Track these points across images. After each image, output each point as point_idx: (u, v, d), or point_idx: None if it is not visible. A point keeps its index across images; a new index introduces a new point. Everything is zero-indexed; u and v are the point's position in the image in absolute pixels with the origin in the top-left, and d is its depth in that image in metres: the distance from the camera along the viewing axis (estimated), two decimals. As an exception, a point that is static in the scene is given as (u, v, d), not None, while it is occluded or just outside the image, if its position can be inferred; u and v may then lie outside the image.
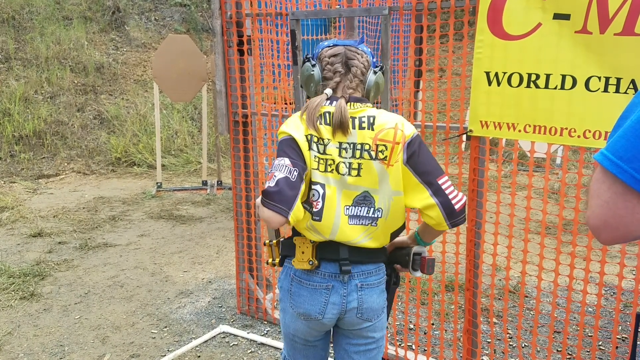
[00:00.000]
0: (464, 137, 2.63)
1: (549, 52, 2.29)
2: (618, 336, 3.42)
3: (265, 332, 3.60)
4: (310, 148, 1.80)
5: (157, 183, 7.27)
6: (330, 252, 1.86)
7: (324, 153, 1.80)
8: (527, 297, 3.92)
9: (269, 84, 4.28)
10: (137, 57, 10.56)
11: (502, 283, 4.09)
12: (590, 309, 3.61)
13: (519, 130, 2.43)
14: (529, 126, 2.40)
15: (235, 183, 3.69)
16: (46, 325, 3.71)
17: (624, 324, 3.57)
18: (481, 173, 2.66)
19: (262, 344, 3.44)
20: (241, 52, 3.46)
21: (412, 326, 3.59)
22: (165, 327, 3.68)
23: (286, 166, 1.74)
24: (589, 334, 3.27)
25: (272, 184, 1.71)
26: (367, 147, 1.78)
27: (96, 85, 9.64)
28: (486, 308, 3.62)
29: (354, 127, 1.79)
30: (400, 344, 3.34)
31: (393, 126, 1.77)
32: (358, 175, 1.79)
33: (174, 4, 11.75)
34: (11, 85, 8.85)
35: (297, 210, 1.73)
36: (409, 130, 1.79)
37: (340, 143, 1.80)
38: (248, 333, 3.56)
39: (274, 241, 2.02)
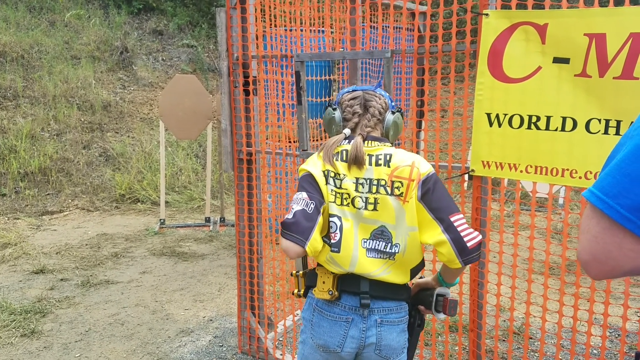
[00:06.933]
0: (466, 176, 2.66)
1: (549, 94, 2.34)
2: (624, 380, 3.37)
3: (267, 372, 3.56)
4: (327, 182, 1.90)
5: (160, 220, 7.28)
6: (351, 284, 1.90)
7: (340, 187, 1.88)
8: (531, 338, 3.88)
9: (274, 123, 4.35)
10: (144, 95, 10.72)
11: (506, 324, 4.05)
12: (594, 351, 3.57)
13: (521, 171, 2.46)
14: (531, 167, 2.43)
15: (238, 220, 3.70)
16: (45, 363, 3.67)
17: (630, 367, 3.52)
18: (484, 212, 2.68)
19: (264, 385, 3.40)
20: (247, 92, 3.52)
21: (415, 367, 3.54)
22: (166, 366, 3.65)
23: (303, 199, 1.85)
24: (595, 377, 3.23)
25: (290, 216, 1.82)
26: (382, 182, 1.84)
27: (103, 123, 9.76)
28: (490, 349, 3.58)
29: (370, 164, 1.86)
30: (403, 386, 3.29)
31: (409, 164, 1.84)
32: (374, 209, 1.85)
33: (182, 45, 12.00)
34: (18, 123, 8.96)
35: (315, 241, 1.81)
36: (425, 168, 1.85)
37: (357, 178, 1.87)
38: (249, 373, 3.51)
39: (300, 272, 2.08)
